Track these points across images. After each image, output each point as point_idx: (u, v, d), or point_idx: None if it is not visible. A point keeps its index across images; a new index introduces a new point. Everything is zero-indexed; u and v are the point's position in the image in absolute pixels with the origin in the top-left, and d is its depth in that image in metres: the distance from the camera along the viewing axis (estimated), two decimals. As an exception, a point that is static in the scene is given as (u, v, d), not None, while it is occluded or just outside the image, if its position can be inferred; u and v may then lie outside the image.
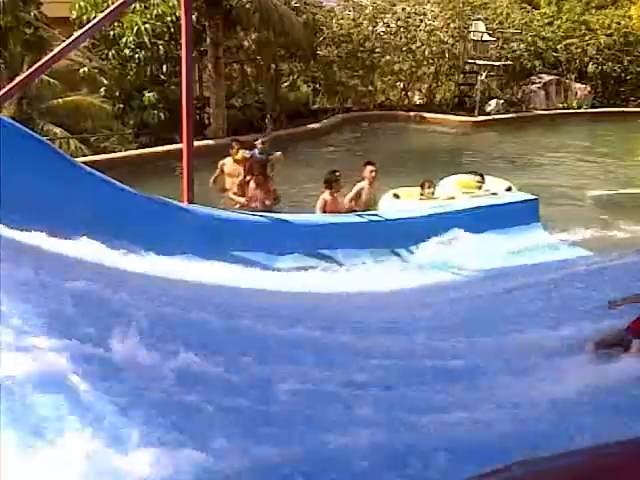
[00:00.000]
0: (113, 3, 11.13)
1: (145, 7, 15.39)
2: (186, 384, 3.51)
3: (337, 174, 9.23)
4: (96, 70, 15.74)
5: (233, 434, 3.07)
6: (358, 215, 9.12)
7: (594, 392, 4.09)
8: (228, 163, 10.13)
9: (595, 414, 3.75)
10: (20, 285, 4.09)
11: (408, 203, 9.56)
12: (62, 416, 2.81)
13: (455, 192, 9.92)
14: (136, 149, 15.06)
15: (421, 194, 9.69)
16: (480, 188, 10.16)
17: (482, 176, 10.33)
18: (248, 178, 9.60)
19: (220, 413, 3.32)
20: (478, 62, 20.88)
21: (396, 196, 9.84)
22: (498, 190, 10.22)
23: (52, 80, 14.40)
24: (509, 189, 10.36)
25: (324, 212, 9.19)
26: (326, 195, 9.19)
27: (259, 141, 10.12)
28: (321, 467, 3.06)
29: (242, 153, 9.92)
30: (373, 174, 9.42)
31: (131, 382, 3.37)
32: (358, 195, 9.52)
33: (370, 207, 9.50)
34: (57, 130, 14.08)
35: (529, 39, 21.91)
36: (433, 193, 9.66)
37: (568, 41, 22.19)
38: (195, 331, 4.47)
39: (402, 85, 21.67)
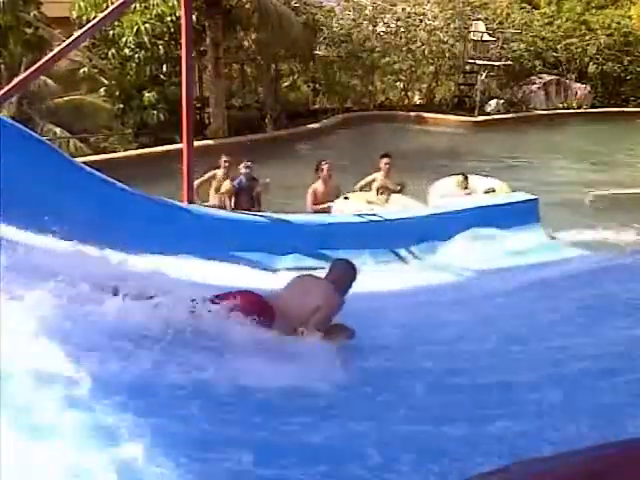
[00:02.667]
0: (113, 3, 11.13)
1: (145, 7, 15.41)
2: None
3: (323, 162, 9.63)
4: (96, 70, 15.75)
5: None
6: (358, 215, 9.13)
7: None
8: (219, 178, 9.59)
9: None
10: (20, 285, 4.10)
11: (355, 206, 9.58)
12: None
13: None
14: (136, 149, 15.06)
15: (376, 198, 9.77)
16: (466, 188, 10.37)
17: (466, 178, 10.53)
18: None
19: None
20: (478, 62, 20.91)
21: (346, 199, 10.00)
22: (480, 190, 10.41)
23: (49, 80, 14.40)
24: (492, 190, 10.50)
25: (315, 197, 9.56)
26: (316, 184, 9.60)
27: (242, 165, 9.46)
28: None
29: (228, 184, 9.33)
30: (388, 166, 9.88)
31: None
32: (369, 183, 10.01)
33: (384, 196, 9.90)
34: (57, 130, 14.08)
35: (529, 39, 21.93)
36: (387, 200, 9.69)
37: (568, 41, 22.21)
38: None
39: (402, 85, 21.69)
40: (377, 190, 9.75)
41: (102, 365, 3.37)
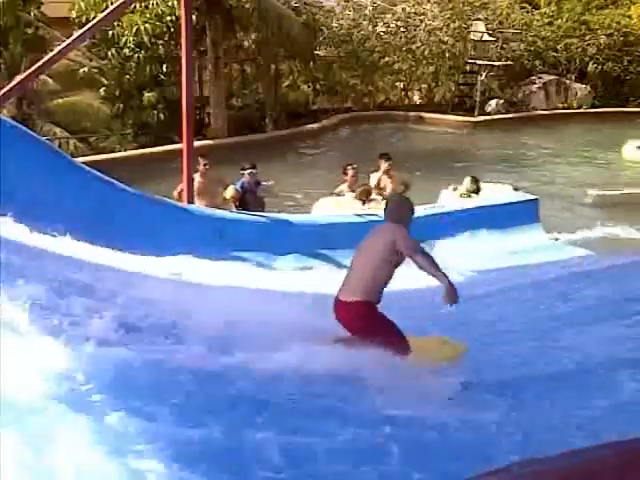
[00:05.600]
0: (113, 3, 11.13)
1: (145, 7, 15.40)
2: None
3: (349, 167, 9.76)
4: (96, 70, 15.73)
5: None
6: (358, 215, 9.13)
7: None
8: (197, 180, 9.04)
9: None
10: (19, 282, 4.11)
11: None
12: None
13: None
14: (136, 149, 15.06)
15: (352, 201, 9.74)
16: (475, 193, 10.29)
17: (477, 182, 10.45)
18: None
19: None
20: (478, 62, 20.88)
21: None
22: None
23: (49, 79, 14.39)
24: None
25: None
26: (342, 186, 9.77)
27: (247, 172, 9.16)
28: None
29: (232, 190, 9.03)
30: (386, 166, 9.87)
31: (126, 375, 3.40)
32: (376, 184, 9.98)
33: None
34: (57, 130, 14.08)
35: (529, 39, 21.91)
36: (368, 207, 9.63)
37: (568, 41, 22.18)
38: (195, 331, 4.47)
39: (402, 85, 21.67)
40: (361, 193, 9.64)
41: None
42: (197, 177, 9.14)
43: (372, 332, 4.34)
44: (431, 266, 4.42)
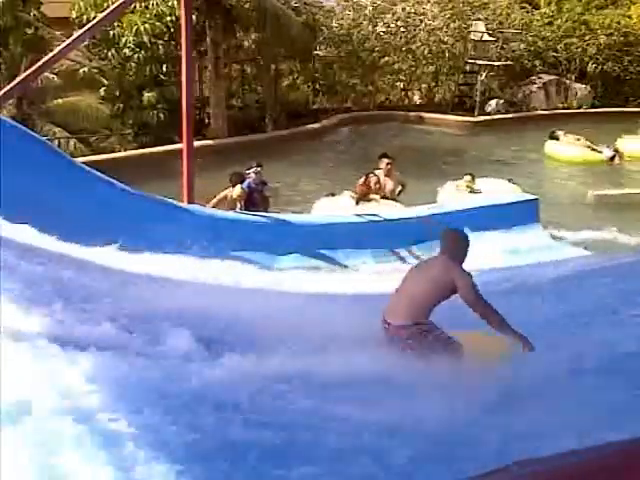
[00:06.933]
0: (113, 3, 11.13)
1: (145, 7, 15.40)
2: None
3: (370, 174, 9.86)
4: (96, 70, 15.73)
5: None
6: (358, 215, 9.13)
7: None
8: (237, 189, 9.10)
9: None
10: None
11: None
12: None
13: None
14: (136, 149, 15.05)
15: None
16: (472, 190, 10.43)
17: (473, 178, 10.62)
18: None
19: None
20: (478, 62, 20.88)
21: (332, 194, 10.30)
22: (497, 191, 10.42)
23: (54, 76, 14.40)
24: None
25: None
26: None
27: (252, 170, 9.22)
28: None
29: (238, 189, 9.04)
30: (389, 166, 10.00)
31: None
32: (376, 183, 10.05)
33: (390, 196, 9.95)
34: (57, 130, 14.07)
35: (529, 39, 21.92)
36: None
37: (568, 41, 22.19)
38: (195, 330, 4.48)
39: (402, 85, 21.68)
40: (357, 200, 9.73)
41: None
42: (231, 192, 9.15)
43: (426, 347, 4.49)
44: (495, 320, 4.59)
